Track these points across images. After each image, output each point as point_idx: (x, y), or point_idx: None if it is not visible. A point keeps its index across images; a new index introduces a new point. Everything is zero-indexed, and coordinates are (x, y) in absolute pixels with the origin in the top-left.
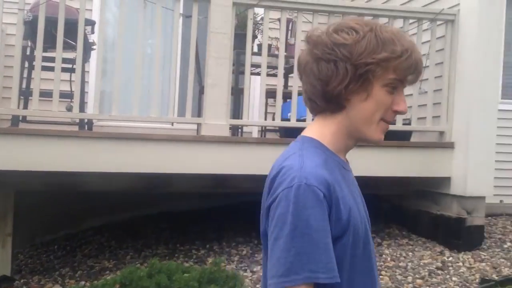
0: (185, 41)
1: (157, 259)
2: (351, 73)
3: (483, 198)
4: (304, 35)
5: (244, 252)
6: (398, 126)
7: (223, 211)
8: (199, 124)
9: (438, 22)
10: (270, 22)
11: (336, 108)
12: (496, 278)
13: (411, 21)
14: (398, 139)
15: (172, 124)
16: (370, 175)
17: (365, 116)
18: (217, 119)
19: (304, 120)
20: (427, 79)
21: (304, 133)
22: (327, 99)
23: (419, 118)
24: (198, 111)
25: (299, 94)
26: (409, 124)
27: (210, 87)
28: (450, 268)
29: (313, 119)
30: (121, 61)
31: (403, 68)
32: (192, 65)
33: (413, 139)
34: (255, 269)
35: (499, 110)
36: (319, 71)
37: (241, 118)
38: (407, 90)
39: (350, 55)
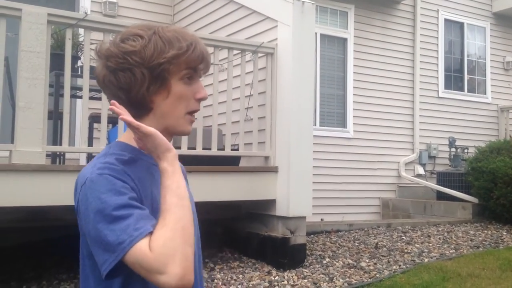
0: None
1: None
2: (148, 76)
3: (304, 218)
4: None
5: None
6: (227, 151)
7: (43, 246)
8: (10, 152)
9: (260, 54)
10: (94, 43)
11: (144, 112)
12: None
13: (235, 52)
14: (228, 164)
15: None
16: (203, 200)
17: (172, 111)
18: (31, 146)
19: None
20: (251, 107)
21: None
22: (133, 105)
23: (246, 143)
24: (12, 137)
25: None
26: (237, 149)
27: (22, 110)
28: (276, 287)
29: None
30: None
31: (193, 60)
32: None
33: (242, 164)
34: None
35: (318, 136)
36: (117, 81)
37: (61, 145)
38: (234, 116)
39: (142, 60)
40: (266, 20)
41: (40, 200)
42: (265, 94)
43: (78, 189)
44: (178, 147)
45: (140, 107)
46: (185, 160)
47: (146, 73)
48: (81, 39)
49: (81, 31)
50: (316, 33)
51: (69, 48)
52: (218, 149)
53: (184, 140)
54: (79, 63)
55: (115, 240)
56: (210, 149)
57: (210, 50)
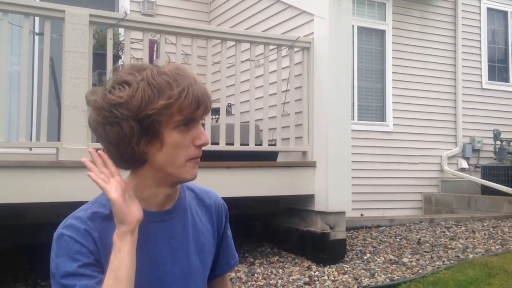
0: (42, 60)
1: None
2: (136, 129)
3: (343, 213)
4: (167, 56)
5: None
6: (265, 147)
7: None
8: (57, 149)
9: (296, 49)
10: (134, 42)
11: (138, 165)
12: None
13: (271, 47)
14: (265, 159)
15: (30, 149)
16: (240, 195)
17: (168, 162)
18: (76, 143)
19: None
20: (288, 102)
21: None
22: (125, 160)
23: (283, 139)
24: (58, 135)
25: None
26: (275, 145)
27: (67, 109)
28: (317, 282)
29: None
30: None
31: (186, 107)
32: (46, 85)
33: (279, 159)
34: None
35: (356, 130)
36: (107, 135)
37: None
38: (271, 112)
39: (129, 112)
40: (302, 14)
41: (86, 195)
42: (302, 88)
43: None
44: (216, 143)
45: (133, 161)
46: (223, 156)
47: (135, 126)
48: (121, 38)
49: (121, 30)
50: (353, 26)
51: (110, 48)
52: (255, 145)
53: (222, 136)
54: (120, 62)
55: None
56: (247, 144)
57: (246, 46)
